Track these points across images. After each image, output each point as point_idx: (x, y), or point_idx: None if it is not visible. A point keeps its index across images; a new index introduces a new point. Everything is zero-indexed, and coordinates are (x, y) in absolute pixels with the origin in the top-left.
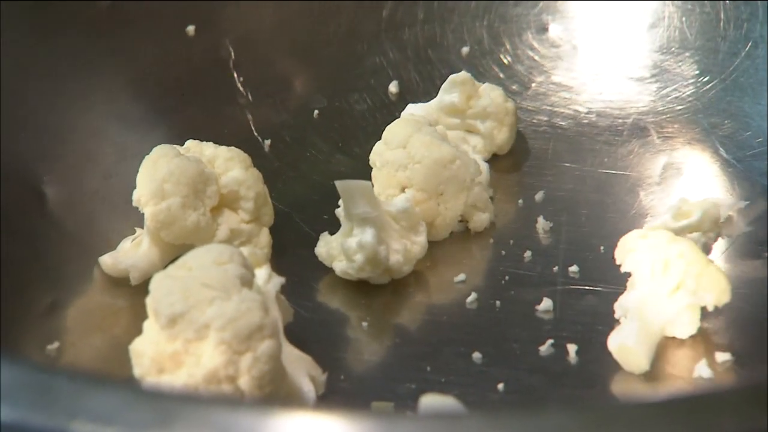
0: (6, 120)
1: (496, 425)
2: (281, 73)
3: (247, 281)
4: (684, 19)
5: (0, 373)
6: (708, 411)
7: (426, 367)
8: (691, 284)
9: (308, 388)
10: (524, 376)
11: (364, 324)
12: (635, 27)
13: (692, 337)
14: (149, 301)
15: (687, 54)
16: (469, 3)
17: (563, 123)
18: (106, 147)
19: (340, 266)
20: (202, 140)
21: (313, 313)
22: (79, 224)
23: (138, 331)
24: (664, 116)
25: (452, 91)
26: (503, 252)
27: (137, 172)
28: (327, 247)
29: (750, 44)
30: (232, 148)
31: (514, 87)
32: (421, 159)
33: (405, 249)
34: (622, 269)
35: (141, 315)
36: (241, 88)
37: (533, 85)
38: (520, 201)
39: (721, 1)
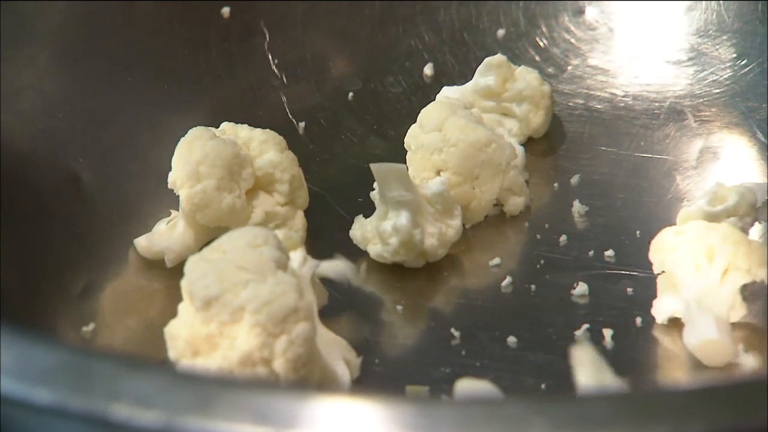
0: (42, 103)
1: (535, 411)
2: (316, 56)
3: (282, 264)
4: (722, 1)
5: (38, 355)
6: (749, 398)
7: (461, 351)
8: (742, 264)
9: (343, 372)
10: (559, 361)
11: (399, 307)
12: (672, 10)
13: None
14: (184, 284)
15: (725, 37)
16: None
17: (599, 106)
18: (142, 129)
19: (374, 249)
20: (236, 123)
21: (348, 296)
22: (114, 206)
23: (173, 313)
24: (701, 100)
25: (488, 73)
26: (538, 236)
27: (172, 154)
28: (362, 230)
29: None
30: (267, 130)
31: (549, 70)
32: (457, 142)
33: (440, 232)
34: (656, 269)
35: (176, 297)
36: (276, 71)
37: (569, 68)
38: (556, 185)
39: None
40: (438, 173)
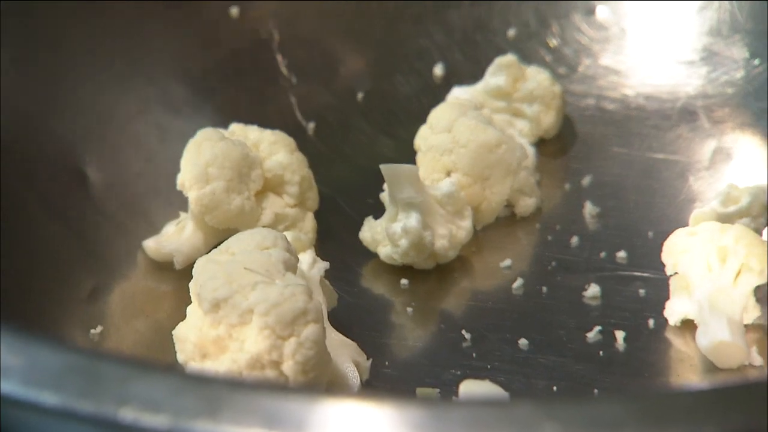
0: (49, 102)
1: (546, 413)
2: (325, 56)
3: (291, 266)
4: (734, 1)
5: (46, 358)
6: (762, 400)
7: (471, 353)
8: (755, 265)
9: (353, 374)
10: (571, 363)
11: (409, 309)
12: (684, 9)
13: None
14: (192, 286)
15: (737, 37)
16: None
17: (611, 107)
18: (150, 130)
19: (384, 251)
20: (246, 124)
21: (358, 298)
22: (122, 208)
23: (181, 315)
24: (714, 100)
25: (498, 74)
26: (550, 237)
27: (181, 155)
28: (371, 231)
29: None
30: (277, 131)
31: (561, 70)
32: (467, 143)
33: (450, 234)
34: (668, 271)
35: (184, 300)
36: (285, 71)
37: (581, 68)
38: (567, 186)
39: None
40: (448, 174)
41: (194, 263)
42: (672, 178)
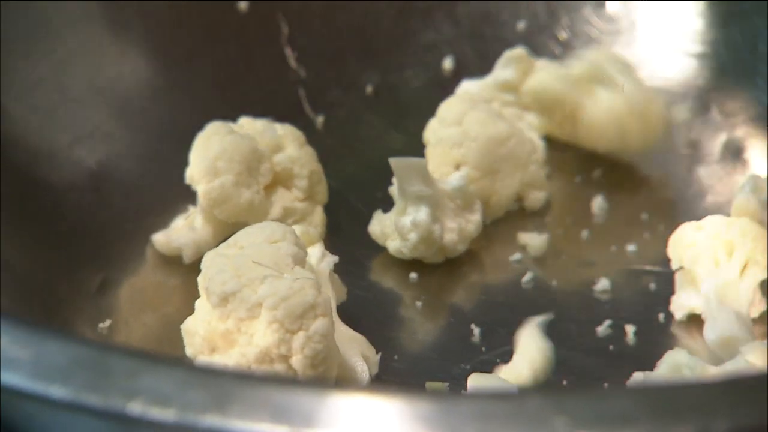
0: (58, 97)
1: (556, 407)
2: (334, 49)
3: (300, 259)
4: None
5: (55, 351)
6: None
7: (481, 347)
8: (762, 259)
9: (362, 368)
10: (581, 356)
11: (418, 303)
12: (695, 1)
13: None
14: (201, 280)
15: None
16: None
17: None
18: (159, 124)
19: (393, 245)
20: (254, 117)
21: (367, 292)
22: (131, 202)
23: (190, 309)
24: (725, 93)
25: (507, 67)
26: (560, 231)
27: (190, 149)
28: (381, 225)
29: None
30: (286, 125)
31: None
32: (476, 137)
33: (459, 227)
34: (674, 265)
35: (193, 294)
36: (294, 65)
37: None
38: (577, 179)
39: None
40: (457, 168)
41: (203, 257)
42: (682, 171)
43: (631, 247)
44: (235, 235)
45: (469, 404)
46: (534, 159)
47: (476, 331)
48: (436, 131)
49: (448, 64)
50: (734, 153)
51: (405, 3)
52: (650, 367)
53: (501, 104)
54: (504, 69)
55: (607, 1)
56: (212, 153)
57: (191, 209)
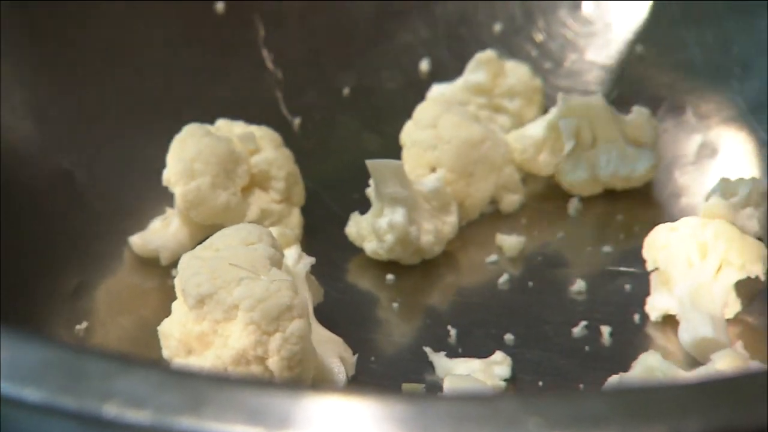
0: (34, 100)
1: (531, 408)
2: (311, 51)
3: (277, 261)
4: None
5: (29, 353)
6: (747, 394)
7: (457, 348)
8: (736, 260)
9: (338, 370)
10: (557, 358)
11: (395, 305)
12: (669, 3)
13: (728, 319)
14: (177, 282)
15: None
16: None
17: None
18: (135, 126)
19: (370, 246)
20: (231, 119)
21: (344, 293)
22: (108, 204)
23: (167, 312)
24: (699, 95)
25: (478, 70)
26: (535, 233)
27: (167, 151)
28: (357, 227)
29: None
30: (263, 127)
31: (547, 65)
32: (450, 139)
33: (436, 229)
34: (649, 266)
35: (170, 296)
36: (271, 67)
37: (566, 63)
38: (552, 180)
39: None
40: (433, 170)
41: (180, 259)
42: (658, 172)
43: (606, 249)
44: (211, 237)
45: (445, 406)
46: (508, 161)
47: (453, 332)
48: (411, 134)
49: (424, 66)
50: (709, 154)
51: (381, 5)
52: (626, 368)
53: (477, 107)
54: (474, 72)
55: (582, 4)
56: (189, 155)
57: (168, 211)
